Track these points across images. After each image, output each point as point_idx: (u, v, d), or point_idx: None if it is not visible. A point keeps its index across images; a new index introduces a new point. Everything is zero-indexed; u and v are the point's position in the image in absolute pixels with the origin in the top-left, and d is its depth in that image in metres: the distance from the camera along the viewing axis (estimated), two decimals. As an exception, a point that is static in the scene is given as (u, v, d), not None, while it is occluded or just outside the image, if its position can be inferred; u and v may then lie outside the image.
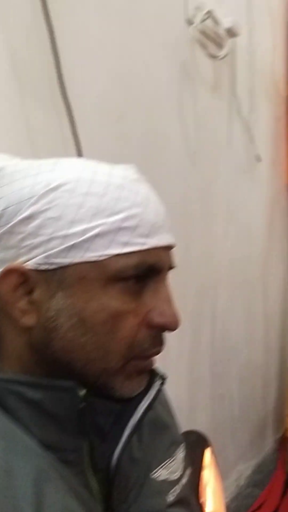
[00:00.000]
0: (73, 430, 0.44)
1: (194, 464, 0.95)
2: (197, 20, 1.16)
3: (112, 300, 0.43)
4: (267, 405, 1.73)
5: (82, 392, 0.43)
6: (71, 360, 0.43)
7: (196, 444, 1.07)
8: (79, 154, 0.80)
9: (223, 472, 1.41)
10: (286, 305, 1.83)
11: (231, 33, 1.30)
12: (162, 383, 0.50)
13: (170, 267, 0.50)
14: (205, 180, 1.29)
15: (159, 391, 0.49)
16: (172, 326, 0.45)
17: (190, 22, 1.18)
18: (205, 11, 1.19)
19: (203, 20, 1.19)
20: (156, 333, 0.45)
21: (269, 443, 1.75)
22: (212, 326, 1.34)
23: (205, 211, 1.30)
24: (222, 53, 1.22)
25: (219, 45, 1.28)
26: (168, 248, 0.48)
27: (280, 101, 1.79)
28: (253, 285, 1.62)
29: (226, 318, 1.43)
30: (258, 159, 1.58)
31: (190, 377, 1.23)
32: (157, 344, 0.46)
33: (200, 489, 0.86)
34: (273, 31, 1.64)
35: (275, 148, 1.77)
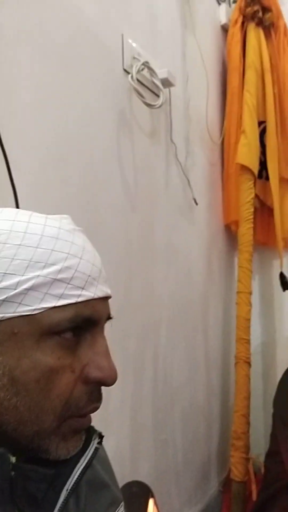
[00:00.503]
0: (5, 500, 0.40)
1: (137, 518, 0.92)
2: (134, 70, 1.20)
3: (46, 356, 0.41)
4: (211, 447, 1.72)
5: (13, 458, 0.40)
6: (2, 423, 0.40)
7: (138, 495, 1.03)
8: (16, 200, 0.78)
9: (168, 522, 1.37)
10: (226, 344, 1.85)
11: (166, 83, 1.36)
12: (100, 442, 0.48)
13: (108, 318, 0.49)
14: (145, 223, 1.31)
15: (97, 449, 0.47)
16: (109, 381, 0.44)
17: (128, 72, 1.22)
18: (141, 62, 1.23)
19: (140, 70, 1.24)
20: (93, 388, 0.44)
21: (213, 486, 1.73)
22: (154, 369, 1.33)
23: (145, 253, 1.31)
24: (158, 102, 1.27)
25: (156, 94, 1.33)
26: (105, 298, 0.47)
27: (214, 147, 1.87)
28: (194, 325, 1.63)
29: (168, 360, 1.42)
30: (195, 202, 1.63)
31: (133, 424, 1.20)
32: (94, 400, 0.44)
33: None
34: (206, 81, 1.73)
35: (211, 192, 1.84)
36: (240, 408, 1.67)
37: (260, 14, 1.85)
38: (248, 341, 1.73)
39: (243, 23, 1.89)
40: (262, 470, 1.48)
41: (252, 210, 1.80)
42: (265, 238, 1.96)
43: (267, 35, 1.89)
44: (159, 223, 1.40)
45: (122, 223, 1.20)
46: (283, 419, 1.17)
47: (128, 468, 1.16)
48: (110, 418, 1.07)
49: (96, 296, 0.44)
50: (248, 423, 1.67)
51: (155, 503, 1.03)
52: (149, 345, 1.31)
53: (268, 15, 1.87)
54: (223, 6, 1.98)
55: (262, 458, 1.52)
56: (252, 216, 1.80)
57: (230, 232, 1.97)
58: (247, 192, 1.79)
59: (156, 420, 1.32)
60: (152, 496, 1.04)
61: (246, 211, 1.79)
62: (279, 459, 1.19)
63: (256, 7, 1.85)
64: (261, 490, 1.36)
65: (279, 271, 1.87)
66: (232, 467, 1.64)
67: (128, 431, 1.18)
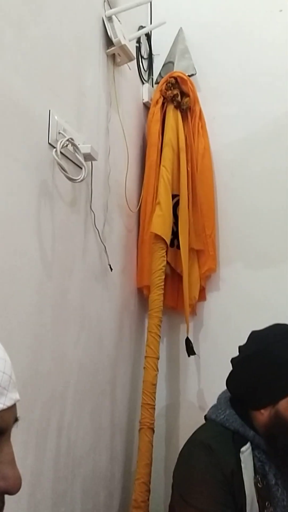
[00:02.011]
0: None
1: None
2: (59, 145, 1.26)
3: None
4: (111, 516, 1.69)
5: None
6: None
7: None
8: None
9: None
10: (131, 409, 1.87)
11: (88, 157, 1.43)
12: None
13: (15, 421, 0.50)
14: (59, 291, 1.33)
15: None
16: (13, 490, 0.45)
17: (53, 146, 1.27)
18: (66, 138, 1.29)
19: (64, 146, 1.29)
20: (-4, 496, 0.44)
21: None
22: (58, 439, 1.31)
23: (58, 320, 1.32)
24: (79, 177, 1.32)
25: (79, 167, 1.39)
26: (14, 405, 0.49)
27: (131, 215, 1.97)
28: (102, 390, 1.64)
29: (73, 428, 1.41)
30: (111, 268, 1.69)
31: (31, 501, 1.16)
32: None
33: None
34: (127, 154, 1.84)
35: (126, 256, 1.91)
36: (142, 475, 1.68)
37: (179, 98, 2.03)
38: (153, 407, 1.77)
39: (163, 103, 2.06)
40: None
41: (163, 277, 1.89)
42: (174, 303, 2.05)
43: (184, 117, 2.06)
44: (74, 289, 1.43)
45: (37, 291, 1.21)
46: (182, 495, 1.20)
47: None
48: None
49: (5, 407, 0.45)
50: (148, 491, 1.68)
51: None
52: (54, 414, 1.29)
53: (186, 100, 2.05)
54: (146, 86, 2.14)
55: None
56: (163, 283, 1.88)
57: (142, 295, 2.04)
58: (159, 260, 1.89)
59: (56, 493, 1.29)
60: None
61: (158, 278, 1.88)
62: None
63: (175, 91, 2.02)
64: None
65: (186, 336, 1.96)
66: (130, 538, 1.63)
67: (25, 509, 1.14)
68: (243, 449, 1.21)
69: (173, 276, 2.05)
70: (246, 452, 1.21)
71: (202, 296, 2.10)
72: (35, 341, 1.19)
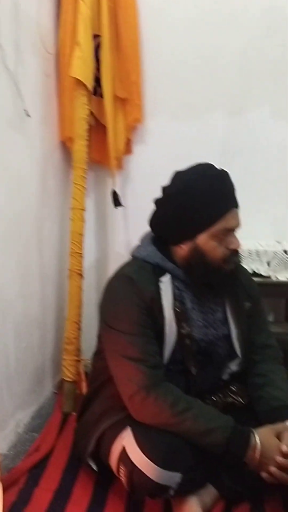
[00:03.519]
0: None
1: None
2: None
3: None
4: (45, 354, 1.81)
5: None
6: None
7: None
8: None
9: (0, 424, 1.45)
10: (61, 259, 1.91)
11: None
12: None
13: None
14: None
15: None
16: None
17: None
18: None
19: None
20: None
21: (48, 389, 1.85)
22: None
23: None
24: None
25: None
26: None
27: (49, 57, 1.80)
28: (27, 240, 1.65)
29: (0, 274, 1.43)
30: (27, 114, 1.58)
31: None
32: None
33: None
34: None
35: (45, 105, 1.79)
36: (72, 316, 1.79)
37: None
38: (81, 255, 1.81)
39: None
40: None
41: (86, 127, 1.81)
42: (99, 156, 2.00)
43: None
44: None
45: None
46: (107, 322, 1.29)
47: None
48: None
49: None
50: (79, 329, 1.80)
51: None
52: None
53: None
54: None
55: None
56: (86, 133, 1.81)
57: (67, 149, 1.96)
58: (81, 108, 1.79)
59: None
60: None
61: (81, 127, 1.79)
62: (103, 356, 1.32)
63: None
64: (89, 385, 1.51)
65: (112, 189, 1.96)
66: (64, 369, 1.78)
67: None
68: (162, 279, 1.29)
69: (98, 128, 1.96)
70: (165, 282, 1.30)
71: (128, 149, 2.06)
72: None
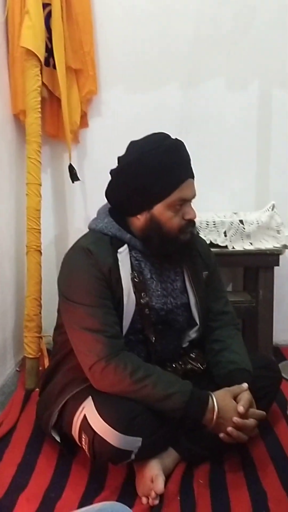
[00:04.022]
0: None
1: None
2: None
3: None
4: (5, 333, 1.79)
5: None
6: None
7: None
8: None
9: None
10: (19, 236, 1.88)
11: None
12: None
13: None
14: None
15: None
16: None
17: None
18: None
19: None
20: None
21: (10, 367, 1.84)
22: None
23: None
24: None
25: None
26: None
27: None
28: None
29: None
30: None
31: None
32: None
33: None
34: None
35: (-4, 76, 1.73)
36: (32, 292, 1.77)
37: None
38: (38, 231, 1.79)
39: None
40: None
41: (39, 98, 1.76)
42: (55, 130, 1.97)
43: None
44: None
45: None
46: (65, 295, 1.28)
47: None
48: None
49: None
50: (39, 306, 1.79)
51: None
52: None
53: None
54: None
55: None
56: (39, 106, 1.77)
57: (19, 122, 1.91)
58: (33, 79, 1.74)
59: None
60: None
61: (33, 99, 1.75)
62: (63, 330, 1.32)
63: None
64: (50, 359, 1.51)
65: (69, 163, 1.93)
66: (25, 346, 1.77)
67: None
68: (120, 250, 1.30)
69: (52, 101, 1.92)
70: (123, 253, 1.30)
71: (84, 122, 2.03)
72: None
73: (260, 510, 1.14)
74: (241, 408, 1.17)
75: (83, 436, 1.21)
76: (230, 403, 1.20)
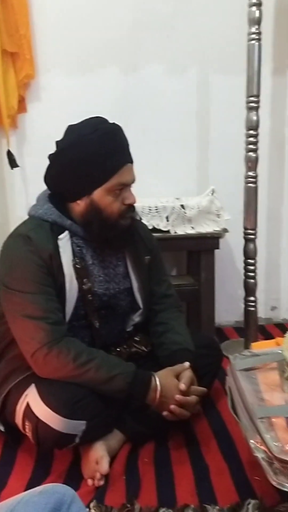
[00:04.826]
0: None
1: None
2: None
3: None
4: None
5: None
6: None
7: None
8: None
9: None
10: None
11: None
12: None
13: None
14: None
15: None
16: None
17: None
18: None
19: None
20: None
21: None
22: None
23: None
24: None
25: None
26: None
27: None
28: None
29: None
30: None
31: None
32: None
33: None
34: None
35: None
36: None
37: None
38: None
39: None
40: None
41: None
42: (-9, 116, 1.91)
43: None
44: None
45: None
46: (3, 282, 1.26)
47: None
48: None
49: None
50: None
51: None
52: None
53: None
54: None
55: None
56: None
57: None
58: None
59: None
60: None
61: None
62: (4, 320, 1.30)
63: None
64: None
65: (7, 149, 1.88)
66: None
67: None
68: (60, 236, 1.28)
69: (-12, 85, 1.86)
70: (64, 239, 1.29)
71: (22, 107, 1.98)
72: None
73: (203, 483, 1.19)
74: (182, 386, 1.21)
75: (27, 423, 1.20)
76: (172, 382, 1.23)
